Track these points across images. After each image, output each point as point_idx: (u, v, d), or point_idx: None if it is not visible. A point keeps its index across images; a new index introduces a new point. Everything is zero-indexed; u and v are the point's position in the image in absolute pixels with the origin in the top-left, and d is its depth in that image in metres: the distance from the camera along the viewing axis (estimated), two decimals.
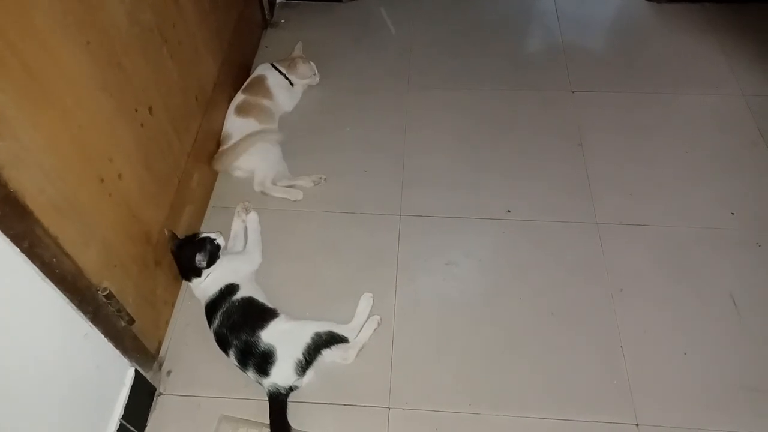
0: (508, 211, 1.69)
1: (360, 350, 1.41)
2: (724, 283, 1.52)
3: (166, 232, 1.44)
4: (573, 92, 2.01)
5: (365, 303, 1.48)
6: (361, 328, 1.44)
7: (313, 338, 1.33)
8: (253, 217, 1.64)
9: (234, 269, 1.47)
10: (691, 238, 1.61)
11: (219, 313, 1.37)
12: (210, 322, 1.39)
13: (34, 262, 0.93)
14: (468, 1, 2.38)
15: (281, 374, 1.30)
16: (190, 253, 1.42)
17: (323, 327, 1.37)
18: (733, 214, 1.66)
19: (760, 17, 2.20)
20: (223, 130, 1.81)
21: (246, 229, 1.63)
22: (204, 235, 1.46)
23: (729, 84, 2.00)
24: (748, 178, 1.74)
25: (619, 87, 2.02)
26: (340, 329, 1.39)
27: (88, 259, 1.09)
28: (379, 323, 1.46)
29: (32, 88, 0.94)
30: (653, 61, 2.11)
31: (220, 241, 1.46)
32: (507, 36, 2.24)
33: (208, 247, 1.43)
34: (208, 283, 1.44)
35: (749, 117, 1.89)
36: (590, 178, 1.75)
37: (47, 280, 0.97)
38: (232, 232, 1.63)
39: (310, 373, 1.33)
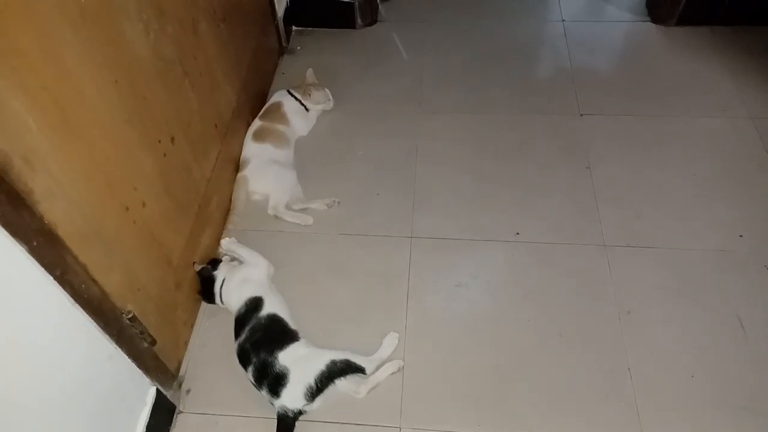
0: (517, 234, 1.73)
1: (373, 388, 1.42)
2: (732, 306, 1.53)
3: (195, 267, 1.56)
4: (581, 116, 2.05)
5: (390, 341, 1.49)
6: (381, 365, 1.44)
7: (328, 366, 1.35)
8: (227, 243, 1.65)
9: (243, 278, 1.52)
10: (699, 260, 1.63)
11: (246, 328, 1.42)
12: (237, 335, 1.44)
13: (65, 289, 0.99)
14: (478, 27, 2.44)
15: (291, 397, 1.33)
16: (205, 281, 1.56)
17: (340, 356, 1.38)
18: (741, 236, 1.67)
19: (767, 40, 2.22)
20: (242, 156, 1.89)
21: (236, 259, 1.64)
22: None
23: (737, 107, 2.02)
24: (756, 200, 1.76)
25: (628, 110, 2.06)
26: (357, 359, 1.40)
27: (113, 284, 1.15)
28: (400, 368, 1.46)
29: (64, 125, 1.01)
30: (661, 84, 2.14)
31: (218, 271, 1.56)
32: (517, 60, 2.29)
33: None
34: (227, 299, 1.52)
35: (757, 139, 1.91)
36: (598, 201, 1.78)
37: (76, 305, 1.03)
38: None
39: (320, 400, 1.35)
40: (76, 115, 1.05)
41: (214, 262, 1.59)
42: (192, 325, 1.57)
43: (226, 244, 1.65)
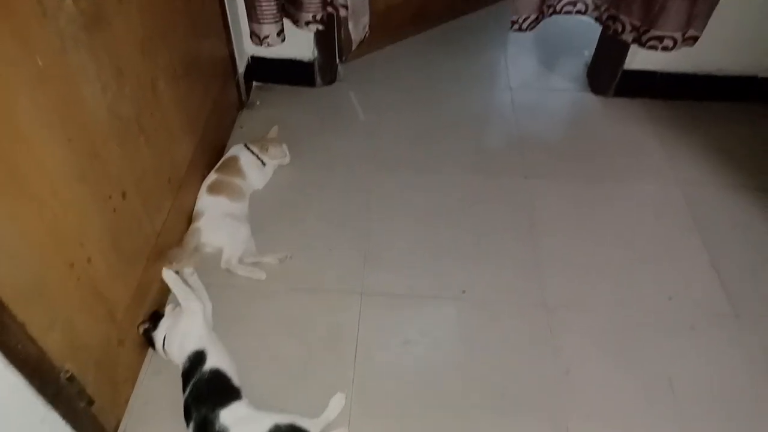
0: (463, 292, 1.78)
1: None
2: (663, 367, 1.61)
3: (139, 330, 1.55)
4: (525, 178, 2.16)
5: (336, 402, 1.48)
6: (327, 427, 1.43)
7: (271, 430, 1.32)
8: (168, 275, 1.62)
9: (183, 333, 1.50)
10: (633, 322, 1.72)
11: (191, 382, 1.41)
12: (183, 390, 1.42)
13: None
14: (432, 90, 2.57)
15: None
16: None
17: (285, 419, 1.35)
18: (670, 299, 1.78)
19: (694, 114, 2.42)
20: (195, 209, 1.90)
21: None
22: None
23: (666, 174, 2.18)
24: (683, 263, 1.88)
25: (569, 174, 2.18)
26: (302, 422, 1.37)
27: (53, 342, 1.13)
28: None
29: (12, 184, 1.01)
30: (599, 150, 2.29)
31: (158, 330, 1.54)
32: (467, 123, 2.41)
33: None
34: (170, 352, 1.50)
35: (684, 206, 2.05)
36: (540, 262, 1.87)
37: (10, 366, 1.01)
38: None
39: None
40: (26, 173, 1.05)
41: (155, 318, 1.56)
42: (134, 382, 1.54)
43: (168, 276, 1.62)
